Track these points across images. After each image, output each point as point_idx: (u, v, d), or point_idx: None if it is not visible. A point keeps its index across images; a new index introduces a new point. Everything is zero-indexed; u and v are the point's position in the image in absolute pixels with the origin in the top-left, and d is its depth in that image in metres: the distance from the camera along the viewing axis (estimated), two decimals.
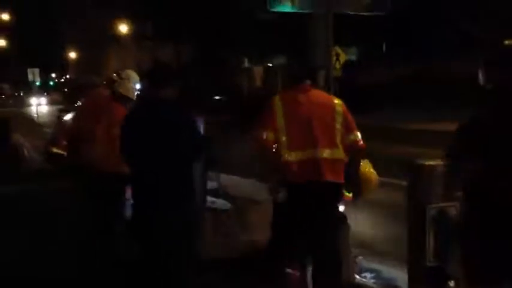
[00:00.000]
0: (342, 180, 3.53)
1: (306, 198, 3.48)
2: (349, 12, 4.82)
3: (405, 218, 3.40)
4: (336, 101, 3.66)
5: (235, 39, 29.02)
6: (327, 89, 4.38)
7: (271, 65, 28.05)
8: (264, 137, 3.51)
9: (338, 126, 3.55)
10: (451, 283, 3.39)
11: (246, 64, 31.55)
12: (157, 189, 3.29)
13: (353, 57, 24.02)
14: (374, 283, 4.34)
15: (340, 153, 3.53)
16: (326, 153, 3.49)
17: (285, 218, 3.58)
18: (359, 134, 3.63)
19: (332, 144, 3.51)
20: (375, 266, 4.63)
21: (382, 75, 22.89)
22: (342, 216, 4.03)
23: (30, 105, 35.28)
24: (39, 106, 35.29)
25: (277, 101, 3.59)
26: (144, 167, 3.34)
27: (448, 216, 2.82)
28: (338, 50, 15.05)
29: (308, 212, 3.48)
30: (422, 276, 2.89)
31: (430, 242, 2.78)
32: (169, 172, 3.28)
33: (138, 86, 4.60)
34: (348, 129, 3.58)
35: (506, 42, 2.88)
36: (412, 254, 2.90)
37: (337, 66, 15.94)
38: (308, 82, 3.68)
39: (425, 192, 2.83)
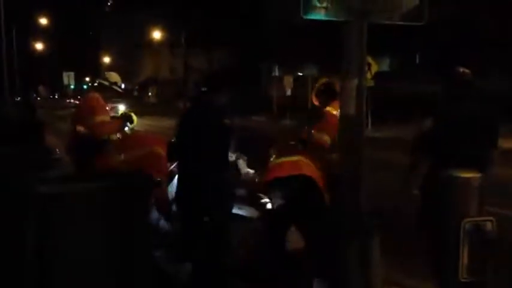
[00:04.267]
0: None
1: None
2: (384, 21, 4.74)
3: (436, 232, 3.33)
4: None
5: (266, 48, 29.12)
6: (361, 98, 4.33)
7: (301, 74, 27.99)
8: None
9: None
10: None
11: (277, 73, 31.57)
12: (198, 189, 3.54)
13: (385, 68, 23.81)
14: None
15: None
16: None
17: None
18: None
19: None
20: (402, 279, 4.54)
21: (414, 87, 22.58)
22: (373, 227, 3.96)
23: None
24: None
25: None
26: (189, 165, 3.60)
27: (484, 230, 2.74)
28: (369, 60, 14.94)
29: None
30: None
31: (465, 257, 2.70)
32: (212, 171, 3.54)
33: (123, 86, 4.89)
34: None
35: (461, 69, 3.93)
36: (445, 269, 2.82)
37: (369, 76, 15.84)
38: None
39: (461, 206, 2.75)
